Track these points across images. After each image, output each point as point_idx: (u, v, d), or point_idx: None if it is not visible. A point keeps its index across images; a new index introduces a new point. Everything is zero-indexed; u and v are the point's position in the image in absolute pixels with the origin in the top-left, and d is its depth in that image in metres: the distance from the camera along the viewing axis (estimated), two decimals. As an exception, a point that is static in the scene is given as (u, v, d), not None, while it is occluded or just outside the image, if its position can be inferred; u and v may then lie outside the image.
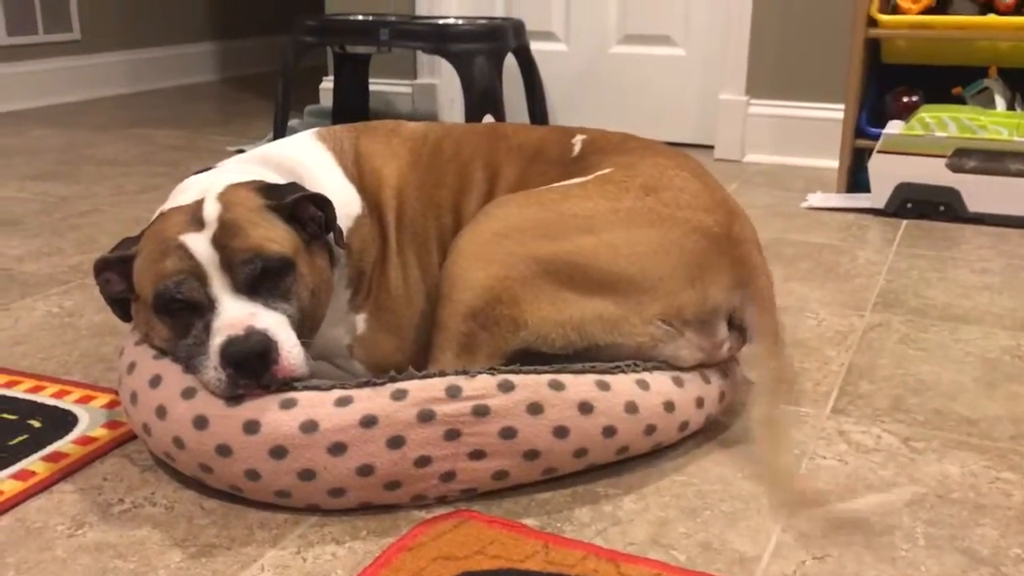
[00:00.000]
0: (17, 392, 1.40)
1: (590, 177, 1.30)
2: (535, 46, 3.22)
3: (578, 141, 1.42)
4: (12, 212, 2.44)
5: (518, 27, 3.06)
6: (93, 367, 1.51)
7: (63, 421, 1.32)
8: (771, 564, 1.02)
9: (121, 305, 1.25)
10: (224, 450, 1.08)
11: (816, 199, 2.56)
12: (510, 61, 3.08)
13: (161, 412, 1.12)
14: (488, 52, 2.88)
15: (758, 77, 3.06)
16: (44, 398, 1.39)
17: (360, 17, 3.12)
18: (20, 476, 1.18)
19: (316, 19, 3.08)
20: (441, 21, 3.05)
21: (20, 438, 1.27)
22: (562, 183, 1.30)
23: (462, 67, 2.85)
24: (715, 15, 3.14)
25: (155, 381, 1.14)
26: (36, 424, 1.31)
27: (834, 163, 2.74)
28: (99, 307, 1.76)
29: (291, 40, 3.07)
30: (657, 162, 1.32)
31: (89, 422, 1.31)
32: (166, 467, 1.21)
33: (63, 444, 1.25)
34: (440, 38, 2.90)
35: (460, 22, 2.99)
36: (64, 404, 1.37)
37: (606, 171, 1.30)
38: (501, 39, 2.96)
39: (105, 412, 1.34)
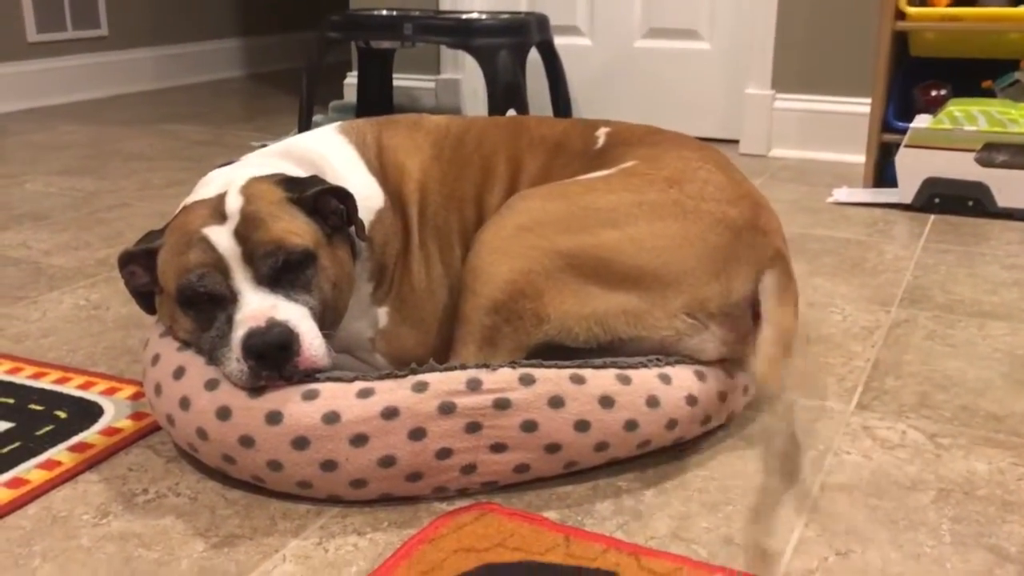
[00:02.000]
0: (44, 383, 1.42)
1: (614, 170, 1.29)
2: (559, 40, 3.21)
3: (602, 134, 1.41)
4: (40, 206, 2.46)
5: (542, 21, 3.06)
6: (119, 359, 1.52)
7: (89, 412, 1.33)
8: (794, 559, 1.02)
9: (146, 298, 1.26)
10: (247, 441, 1.08)
11: (842, 194, 2.53)
12: (534, 56, 3.07)
13: (185, 403, 1.13)
14: (511, 47, 2.88)
15: (784, 71, 3.04)
16: (70, 389, 1.40)
17: (384, 12, 3.12)
18: (46, 466, 1.19)
19: (341, 14, 3.09)
20: (464, 16, 3.05)
21: (46, 428, 1.28)
22: (586, 176, 1.30)
23: (485, 62, 2.85)
24: (741, 8, 3.11)
25: (179, 373, 1.15)
26: (62, 415, 1.32)
27: (861, 158, 2.71)
28: (125, 300, 1.78)
29: (316, 36, 3.08)
30: (681, 155, 1.31)
31: (114, 413, 1.32)
32: (190, 458, 1.21)
33: (88, 435, 1.26)
34: (463, 32, 2.90)
35: (483, 16, 2.99)
36: (90, 395, 1.38)
37: (630, 164, 1.30)
38: (524, 33, 2.96)
39: (130, 404, 1.35)
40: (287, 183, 1.21)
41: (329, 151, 1.35)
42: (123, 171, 2.86)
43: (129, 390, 1.40)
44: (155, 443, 1.26)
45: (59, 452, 1.22)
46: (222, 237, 1.13)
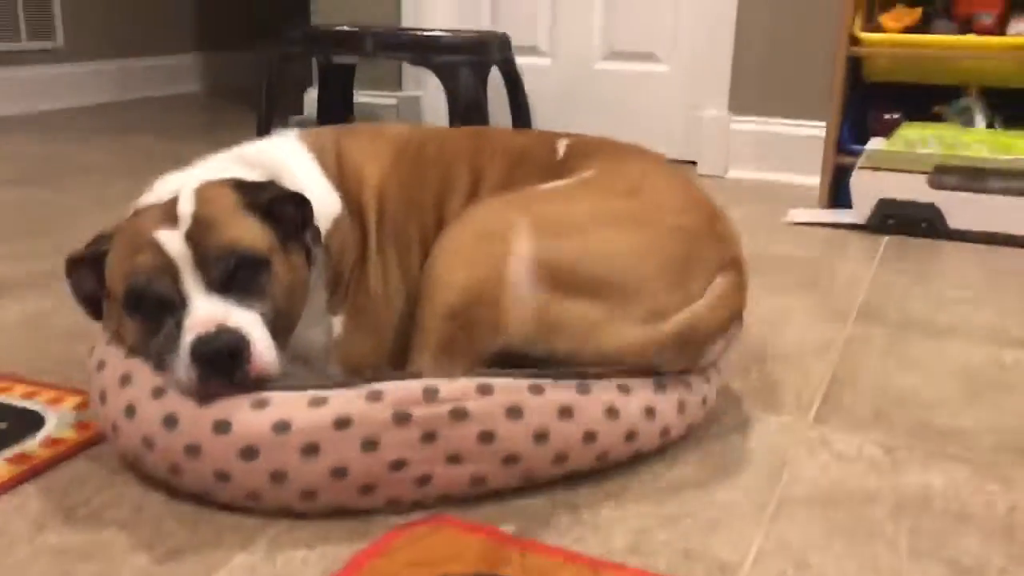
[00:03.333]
0: (-16, 393, 1.37)
1: (573, 179, 1.29)
2: (520, 60, 3.22)
3: (562, 145, 1.40)
4: (-13, 216, 2.40)
5: (503, 41, 3.06)
6: (65, 368, 1.48)
7: (30, 422, 1.28)
8: (752, 572, 1.00)
9: (93, 304, 1.22)
10: (193, 450, 1.05)
11: (798, 214, 2.56)
12: (495, 75, 3.07)
13: (130, 411, 1.09)
14: (473, 64, 2.88)
15: (741, 94, 3.07)
16: (12, 398, 1.35)
17: (345, 28, 3.11)
18: (-17, 477, 1.14)
19: (301, 29, 3.07)
20: (426, 33, 3.05)
21: (-15, 439, 1.23)
22: (545, 185, 1.29)
23: (447, 79, 2.84)
24: (699, 32, 3.14)
25: (125, 380, 1.12)
26: (2, 425, 1.27)
27: (816, 179, 2.74)
28: (74, 310, 1.72)
29: (276, 50, 3.05)
30: (639, 166, 1.31)
31: (57, 423, 1.28)
32: (135, 471, 1.17)
33: (28, 446, 1.22)
34: (425, 49, 2.89)
35: (445, 34, 2.99)
36: (32, 405, 1.33)
37: (589, 174, 1.29)
38: (486, 52, 2.96)
39: (74, 414, 1.31)
40: (242, 188, 1.18)
41: (286, 157, 1.32)
42: (77, 183, 2.80)
43: (74, 400, 1.35)
44: (99, 455, 1.22)
45: (-3, 463, 1.18)
46: (173, 240, 1.10)
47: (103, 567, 0.99)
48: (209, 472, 1.06)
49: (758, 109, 3.06)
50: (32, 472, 1.16)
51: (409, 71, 3.60)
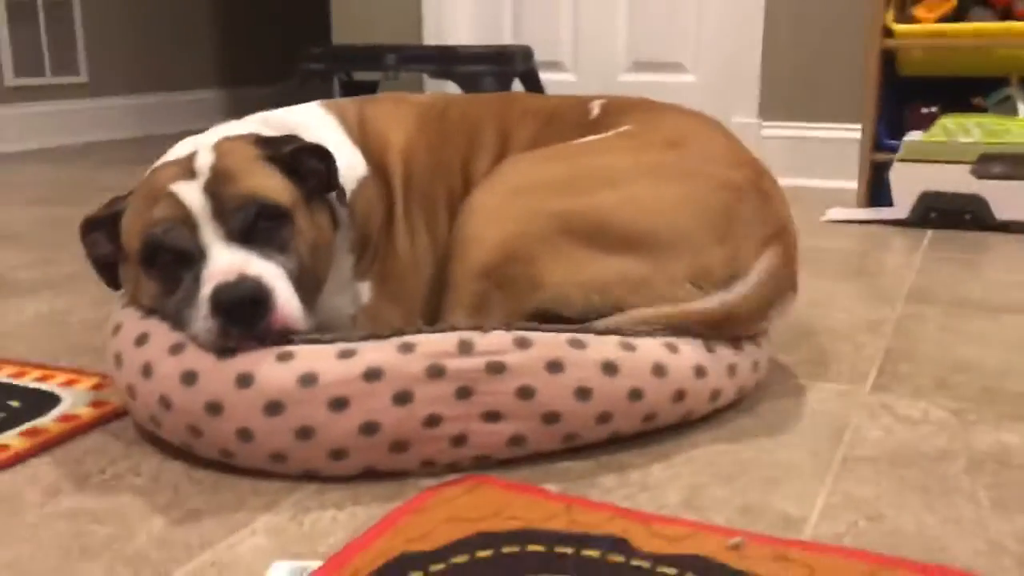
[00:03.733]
0: (-2, 376, 1.31)
1: (610, 133, 1.22)
2: (544, 76, 3.18)
3: (596, 105, 1.34)
4: (11, 229, 2.37)
5: (526, 52, 3.03)
6: (81, 356, 1.42)
7: (44, 401, 1.22)
8: (820, 524, 0.92)
9: (108, 270, 1.17)
10: (214, 408, 0.98)
11: (836, 213, 2.48)
12: (517, 87, 3.04)
13: (147, 371, 1.03)
14: (496, 75, 2.84)
15: (770, 99, 3.02)
16: (26, 382, 1.29)
17: (366, 44, 3.09)
18: (-7, 449, 1.08)
19: (322, 46, 3.06)
20: (448, 44, 3.02)
21: (-4, 415, 1.17)
22: (580, 140, 1.22)
23: (469, 89, 2.81)
24: (725, 39, 3.10)
25: (141, 339, 1.05)
26: (15, 404, 1.21)
27: (851, 184, 2.66)
28: (91, 304, 1.69)
29: (297, 68, 3.04)
30: (680, 119, 1.25)
31: (72, 402, 1.22)
32: (152, 441, 1.11)
33: (43, 421, 1.16)
34: (448, 60, 2.86)
35: (468, 45, 2.96)
36: (47, 387, 1.27)
37: (627, 127, 1.23)
38: (509, 62, 2.93)
39: (90, 394, 1.25)
40: (262, 141, 1.13)
41: (309, 120, 1.27)
42: (96, 201, 2.76)
43: (90, 381, 1.29)
44: (116, 428, 1.15)
45: (8, 437, 1.11)
46: (190, 192, 1.04)
47: (118, 529, 0.92)
48: (231, 431, 0.99)
49: (789, 114, 3.00)
50: (45, 445, 1.10)
51: (431, 86, 3.57)
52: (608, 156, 1.17)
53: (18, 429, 1.14)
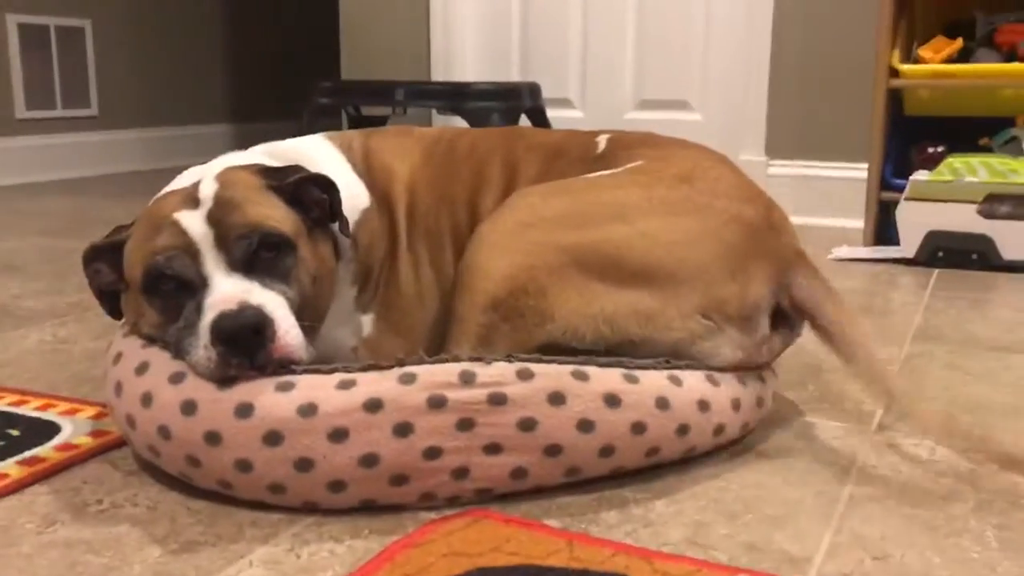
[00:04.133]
0: (-2, 404, 1.31)
1: (620, 169, 1.22)
2: (551, 113, 3.20)
3: (602, 139, 1.34)
4: (15, 260, 2.38)
5: (534, 88, 3.05)
6: (83, 385, 1.41)
7: (44, 430, 1.21)
8: (825, 563, 0.90)
9: (111, 299, 1.17)
10: (213, 438, 0.97)
11: (843, 251, 2.47)
12: (525, 123, 3.05)
13: (147, 400, 1.02)
14: (504, 111, 2.86)
15: (777, 138, 3.03)
16: (26, 411, 1.29)
17: (375, 80, 3.12)
18: (-10, 477, 1.07)
19: (332, 81, 3.08)
20: (457, 80, 3.05)
21: (-5, 443, 1.16)
22: (591, 175, 1.22)
23: (477, 124, 2.82)
24: (732, 77, 3.12)
25: (142, 368, 1.05)
26: (14, 433, 1.21)
27: (858, 223, 2.66)
28: (94, 334, 1.69)
29: (307, 103, 3.06)
30: (689, 154, 1.25)
31: (72, 431, 1.21)
32: (151, 471, 1.10)
33: (42, 450, 1.15)
34: (456, 96, 2.88)
35: (476, 81, 2.98)
36: (48, 416, 1.27)
37: (637, 163, 1.23)
38: (516, 98, 2.94)
39: (91, 423, 1.24)
40: (266, 171, 1.13)
41: (312, 151, 1.28)
42: (102, 233, 2.78)
43: (91, 411, 1.28)
44: (115, 458, 1.15)
45: (7, 465, 1.10)
46: (193, 221, 1.04)
47: (113, 560, 0.90)
48: (230, 462, 0.98)
49: (795, 153, 3.01)
50: (44, 473, 1.09)
51: (439, 123, 3.60)
52: (619, 191, 1.16)
53: (17, 457, 1.13)
